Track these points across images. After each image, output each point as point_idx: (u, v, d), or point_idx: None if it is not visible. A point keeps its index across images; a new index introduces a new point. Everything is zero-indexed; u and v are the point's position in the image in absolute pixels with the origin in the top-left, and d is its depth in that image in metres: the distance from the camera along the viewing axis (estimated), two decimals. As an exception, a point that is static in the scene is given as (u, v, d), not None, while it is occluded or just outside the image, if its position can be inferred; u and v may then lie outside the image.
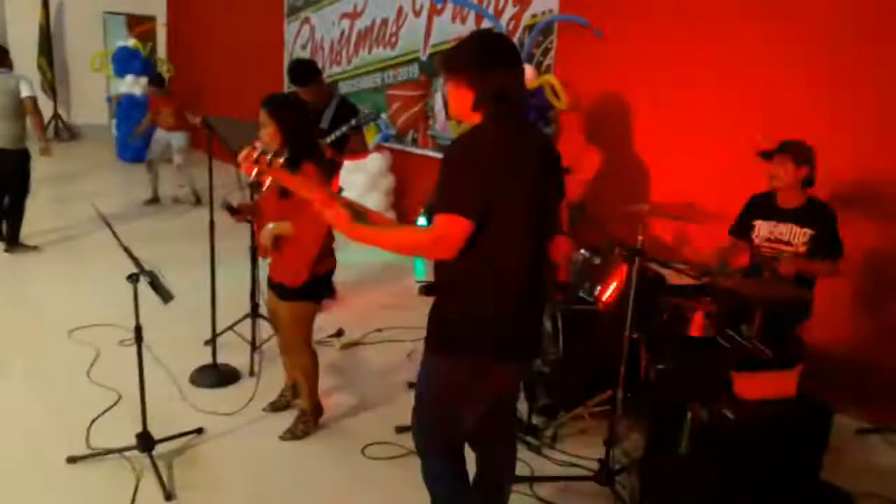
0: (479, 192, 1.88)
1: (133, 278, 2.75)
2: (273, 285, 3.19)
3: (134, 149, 11.22)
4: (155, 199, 8.44)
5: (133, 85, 11.06)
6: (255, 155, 2.03)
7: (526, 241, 2.04)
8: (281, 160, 2.07)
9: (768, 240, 3.39)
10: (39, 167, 6.42)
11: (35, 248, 6.18)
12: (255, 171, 2.05)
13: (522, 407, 3.47)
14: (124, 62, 11.03)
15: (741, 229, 3.53)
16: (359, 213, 2.07)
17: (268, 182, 2.12)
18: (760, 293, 2.92)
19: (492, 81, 1.98)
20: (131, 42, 11.27)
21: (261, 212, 3.21)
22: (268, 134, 2.94)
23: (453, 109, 2.09)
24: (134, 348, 2.93)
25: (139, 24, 12.61)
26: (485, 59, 2.00)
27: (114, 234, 2.89)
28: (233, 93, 11.32)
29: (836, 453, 3.02)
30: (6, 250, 6.09)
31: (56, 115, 13.39)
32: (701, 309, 3.17)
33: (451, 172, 1.94)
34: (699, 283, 3.36)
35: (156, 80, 8.75)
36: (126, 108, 11.10)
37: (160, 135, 8.41)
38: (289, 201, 2.85)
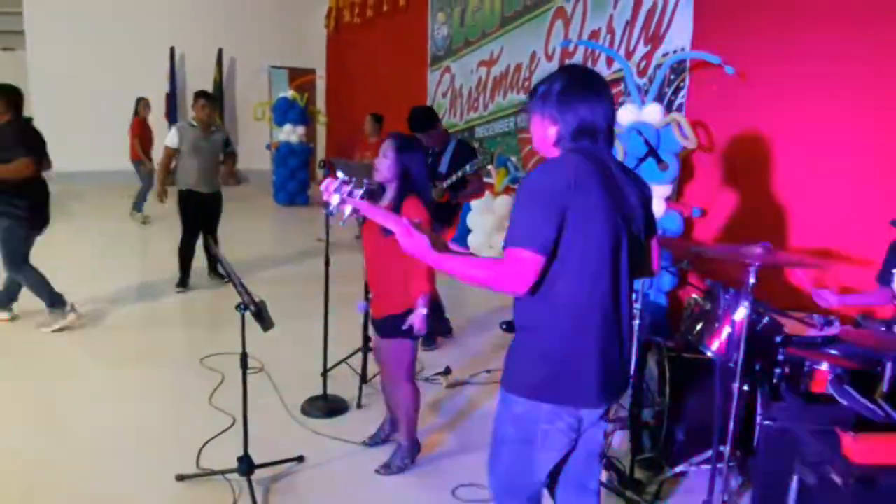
0: (551, 227, 1.83)
1: (240, 307, 2.93)
2: (375, 323, 3.26)
3: (287, 193, 12.01)
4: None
5: (290, 133, 11.85)
6: (336, 184, 2.08)
7: (605, 280, 1.95)
8: (361, 191, 2.10)
9: (908, 290, 3.04)
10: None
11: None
12: (335, 200, 2.09)
13: (626, 458, 3.30)
14: (283, 112, 11.86)
15: (884, 277, 3.19)
16: (441, 245, 2.06)
17: (347, 211, 2.14)
18: (890, 347, 2.61)
19: (576, 117, 1.96)
20: (290, 93, 12.10)
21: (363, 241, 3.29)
22: (384, 164, 3.04)
23: (536, 142, 2.08)
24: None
25: (300, 76, 13.53)
26: (571, 93, 1.97)
27: (226, 269, 3.09)
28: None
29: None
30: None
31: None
32: (827, 363, 2.89)
33: (522, 205, 1.90)
34: (827, 335, 3.07)
35: None
36: (283, 155, 11.90)
37: None
38: (388, 239, 2.67)
